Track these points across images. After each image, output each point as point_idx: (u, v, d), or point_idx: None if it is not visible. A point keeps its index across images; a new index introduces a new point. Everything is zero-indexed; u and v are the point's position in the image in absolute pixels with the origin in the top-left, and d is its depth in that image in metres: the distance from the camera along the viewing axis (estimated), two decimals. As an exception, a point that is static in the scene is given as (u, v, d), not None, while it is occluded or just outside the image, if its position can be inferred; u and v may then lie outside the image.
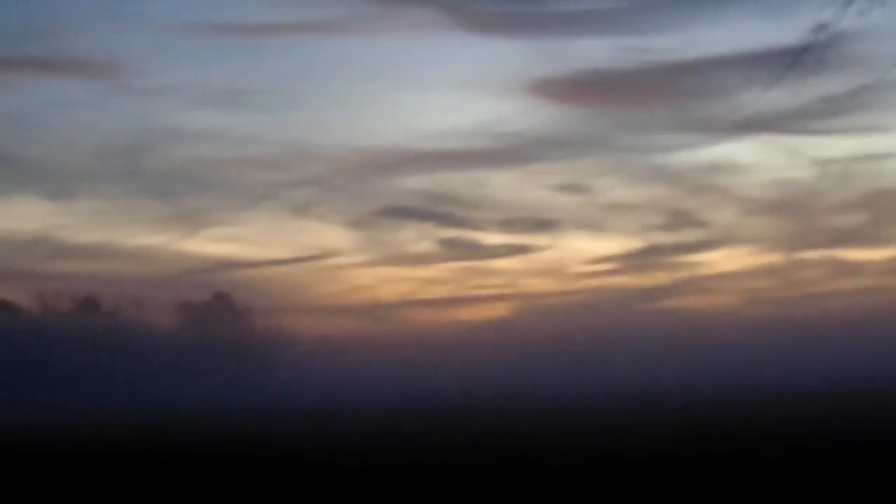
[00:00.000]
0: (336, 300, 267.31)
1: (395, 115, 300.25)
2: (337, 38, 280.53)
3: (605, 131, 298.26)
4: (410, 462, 40.94)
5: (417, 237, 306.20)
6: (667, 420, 69.71)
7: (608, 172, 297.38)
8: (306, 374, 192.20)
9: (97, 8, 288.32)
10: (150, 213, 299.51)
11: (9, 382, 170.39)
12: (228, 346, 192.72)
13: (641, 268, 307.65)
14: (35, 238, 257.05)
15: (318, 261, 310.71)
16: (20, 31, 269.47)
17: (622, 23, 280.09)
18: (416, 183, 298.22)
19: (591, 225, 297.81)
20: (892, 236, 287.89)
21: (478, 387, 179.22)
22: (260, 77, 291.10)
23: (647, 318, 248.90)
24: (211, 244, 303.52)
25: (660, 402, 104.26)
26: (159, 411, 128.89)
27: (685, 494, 27.72)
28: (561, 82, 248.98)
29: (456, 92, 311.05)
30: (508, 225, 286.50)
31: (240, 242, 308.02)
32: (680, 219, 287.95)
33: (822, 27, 16.19)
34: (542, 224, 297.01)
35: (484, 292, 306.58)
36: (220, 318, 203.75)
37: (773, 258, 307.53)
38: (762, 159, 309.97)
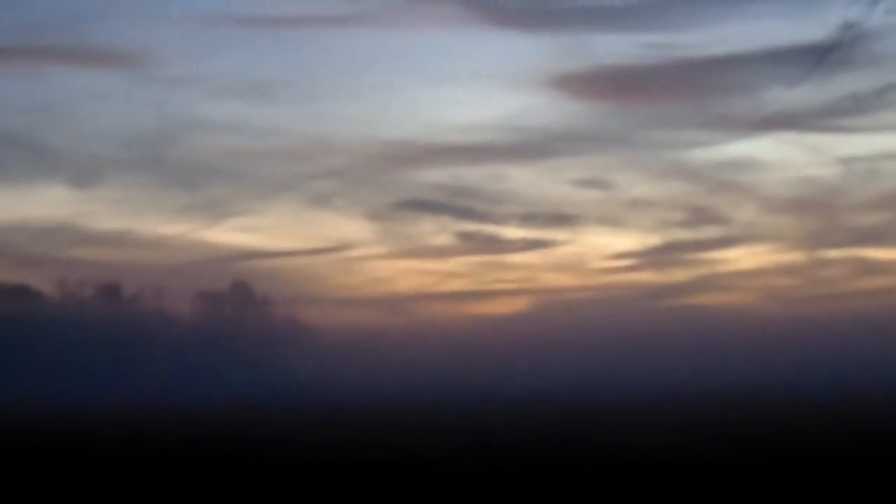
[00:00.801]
0: (354, 292, 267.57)
1: (416, 109, 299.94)
2: (360, 31, 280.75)
3: (627, 127, 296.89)
4: (425, 455, 40.97)
5: (437, 230, 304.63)
6: (684, 417, 69.57)
7: (629, 168, 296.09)
8: (323, 365, 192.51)
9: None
10: (172, 202, 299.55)
11: (30, 368, 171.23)
12: (247, 336, 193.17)
13: (661, 264, 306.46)
14: (58, 225, 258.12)
15: (338, 252, 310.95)
16: (47, 21, 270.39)
17: (644, 18, 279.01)
18: (437, 176, 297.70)
19: (611, 220, 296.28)
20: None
21: (495, 381, 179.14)
22: (283, 69, 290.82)
23: (666, 315, 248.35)
24: (231, 234, 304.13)
25: (677, 400, 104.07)
26: (176, 399, 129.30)
27: (700, 491, 27.68)
28: (582, 77, 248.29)
29: (477, 86, 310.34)
30: (528, 219, 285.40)
31: (260, 233, 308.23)
32: (700, 215, 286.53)
33: (848, 25, 16.07)
34: (562, 219, 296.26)
35: (503, 286, 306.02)
36: (239, 307, 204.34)
37: (795, 256, 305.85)
38: (785, 157, 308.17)
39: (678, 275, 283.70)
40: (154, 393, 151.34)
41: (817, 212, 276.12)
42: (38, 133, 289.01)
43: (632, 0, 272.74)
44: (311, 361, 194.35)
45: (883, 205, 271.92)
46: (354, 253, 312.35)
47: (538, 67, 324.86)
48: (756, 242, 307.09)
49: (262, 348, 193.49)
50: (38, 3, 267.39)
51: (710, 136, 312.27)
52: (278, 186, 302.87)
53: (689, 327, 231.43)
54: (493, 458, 40.20)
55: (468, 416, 77.95)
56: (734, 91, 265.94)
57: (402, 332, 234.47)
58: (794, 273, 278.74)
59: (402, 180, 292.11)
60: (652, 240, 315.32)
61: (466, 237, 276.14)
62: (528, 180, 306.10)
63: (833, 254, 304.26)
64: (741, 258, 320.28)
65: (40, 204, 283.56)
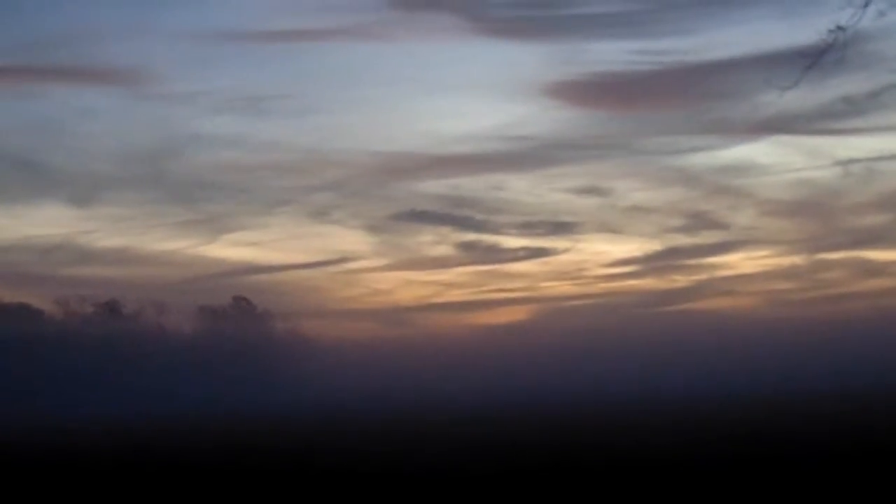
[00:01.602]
0: (355, 304, 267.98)
1: (414, 120, 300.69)
2: (356, 43, 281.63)
3: (624, 134, 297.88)
4: (427, 464, 40.97)
5: (436, 241, 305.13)
6: (685, 422, 69.57)
7: (627, 175, 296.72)
8: (325, 378, 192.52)
9: (120, 16, 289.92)
10: (172, 218, 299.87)
11: (31, 386, 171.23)
12: (248, 350, 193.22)
13: (661, 270, 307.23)
14: (58, 243, 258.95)
15: (338, 265, 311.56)
16: (44, 39, 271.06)
17: (639, 25, 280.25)
18: (435, 187, 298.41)
19: (610, 228, 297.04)
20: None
21: (497, 390, 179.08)
22: (280, 83, 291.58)
23: (666, 321, 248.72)
24: (231, 249, 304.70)
25: (678, 405, 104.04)
26: (179, 415, 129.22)
27: (702, 494, 27.68)
28: (578, 85, 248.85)
29: (474, 96, 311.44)
30: (527, 228, 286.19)
31: (260, 247, 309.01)
32: (700, 221, 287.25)
33: (839, 29, 16.15)
34: (561, 227, 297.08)
35: (503, 296, 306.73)
36: (239, 322, 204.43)
37: (795, 260, 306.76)
38: (782, 160, 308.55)
39: (679, 281, 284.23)
40: (155, 409, 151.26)
41: (816, 214, 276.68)
42: (37, 152, 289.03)
43: (626, 7, 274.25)
44: (312, 374, 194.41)
45: (882, 206, 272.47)
46: (354, 265, 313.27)
47: (534, 76, 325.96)
48: (756, 246, 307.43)
49: (264, 362, 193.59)
50: (35, 22, 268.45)
51: (708, 141, 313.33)
52: (277, 200, 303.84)
53: (690, 333, 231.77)
54: (494, 465, 40.19)
55: (470, 425, 77.93)
56: (730, 96, 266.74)
57: (402, 344, 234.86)
58: (795, 276, 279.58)
59: (401, 192, 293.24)
60: (652, 246, 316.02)
61: (466, 247, 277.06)
62: (527, 189, 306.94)
63: (833, 256, 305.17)
64: (741, 262, 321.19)
65: (40, 222, 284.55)
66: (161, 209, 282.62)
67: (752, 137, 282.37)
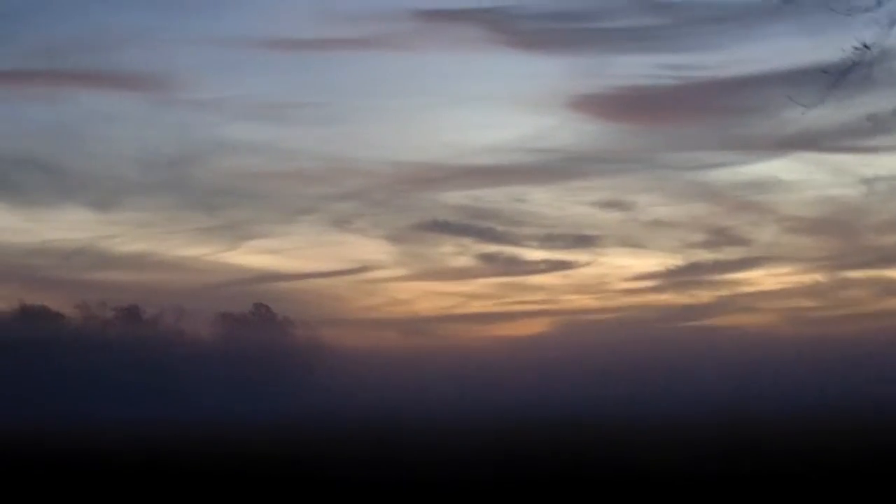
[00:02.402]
0: (375, 313, 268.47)
1: (437, 130, 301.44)
2: (380, 53, 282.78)
3: (647, 148, 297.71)
4: (442, 475, 40.91)
5: (457, 252, 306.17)
6: (701, 438, 69.29)
7: (649, 189, 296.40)
8: (344, 387, 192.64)
9: (145, 22, 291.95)
10: (194, 224, 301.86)
11: (51, 390, 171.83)
12: (267, 357, 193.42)
13: (682, 285, 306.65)
14: (79, 247, 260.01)
15: (358, 274, 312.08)
16: (69, 44, 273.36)
17: (663, 40, 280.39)
18: (457, 198, 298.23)
19: (632, 242, 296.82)
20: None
21: (516, 402, 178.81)
22: (304, 91, 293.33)
23: (687, 336, 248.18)
24: (252, 256, 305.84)
25: (696, 421, 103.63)
26: (198, 421, 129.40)
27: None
28: (602, 99, 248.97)
29: (497, 108, 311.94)
30: (549, 241, 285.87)
31: (281, 254, 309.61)
32: (722, 236, 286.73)
33: (864, 47, 16.12)
34: (583, 240, 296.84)
35: (524, 308, 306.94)
36: (259, 329, 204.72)
37: (817, 277, 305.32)
38: (806, 177, 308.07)
39: (700, 296, 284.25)
40: (174, 414, 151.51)
41: (839, 232, 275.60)
42: (60, 156, 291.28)
43: (651, 21, 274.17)
44: (331, 383, 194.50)
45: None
46: (375, 275, 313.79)
47: (558, 89, 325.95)
48: (778, 263, 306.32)
49: (283, 370, 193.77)
50: (60, 27, 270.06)
51: (731, 157, 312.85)
52: (299, 208, 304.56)
53: (711, 348, 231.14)
54: (509, 476, 40.12)
55: (487, 437, 77.82)
56: (754, 112, 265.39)
57: (422, 354, 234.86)
58: (817, 294, 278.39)
59: (423, 202, 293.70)
60: (673, 261, 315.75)
61: (487, 259, 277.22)
62: (549, 201, 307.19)
63: (855, 274, 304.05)
64: (763, 279, 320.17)
65: (62, 226, 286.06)
66: (183, 215, 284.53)
67: (776, 154, 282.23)
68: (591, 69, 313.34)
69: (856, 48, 16.21)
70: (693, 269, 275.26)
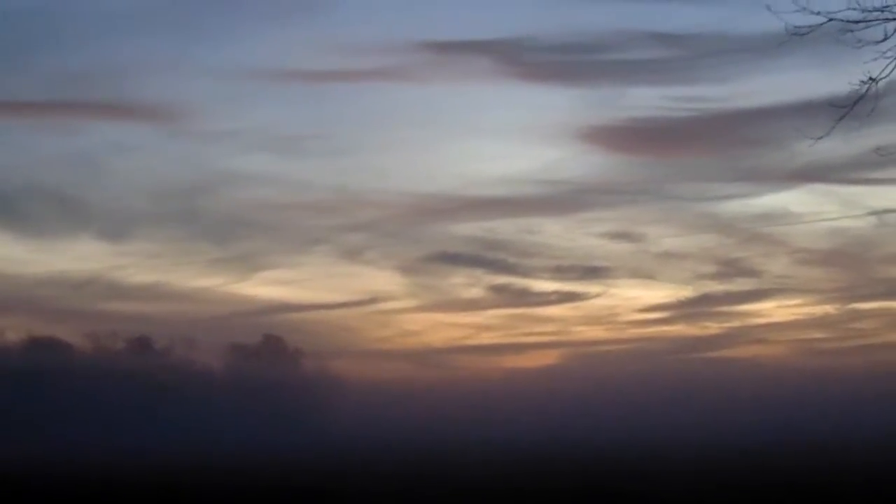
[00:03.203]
0: (386, 345, 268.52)
1: (448, 162, 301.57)
2: (392, 85, 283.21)
3: (658, 180, 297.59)
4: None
5: (468, 283, 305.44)
6: (710, 470, 69.11)
7: (660, 221, 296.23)
8: (354, 418, 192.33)
9: (158, 53, 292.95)
10: (205, 255, 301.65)
11: (60, 420, 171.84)
12: (278, 388, 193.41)
13: (693, 317, 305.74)
14: (91, 278, 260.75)
15: (369, 305, 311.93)
16: (81, 76, 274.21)
17: (675, 72, 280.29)
18: (468, 229, 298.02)
19: (642, 273, 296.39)
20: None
21: (528, 433, 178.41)
22: (315, 122, 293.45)
23: (698, 368, 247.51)
24: (263, 287, 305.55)
25: (706, 452, 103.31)
26: (208, 451, 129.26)
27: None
28: (613, 130, 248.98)
29: (508, 139, 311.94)
30: (559, 272, 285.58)
31: (292, 286, 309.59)
32: (732, 268, 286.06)
33: (871, 80, 16.20)
34: (593, 272, 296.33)
35: (534, 339, 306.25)
36: (270, 360, 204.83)
37: (827, 309, 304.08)
38: (816, 209, 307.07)
39: (711, 328, 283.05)
40: (184, 444, 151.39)
41: (849, 264, 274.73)
42: (72, 187, 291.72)
43: (663, 54, 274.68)
44: (341, 414, 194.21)
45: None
46: (386, 306, 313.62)
47: (570, 120, 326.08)
48: (788, 295, 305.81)
49: (293, 401, 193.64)
50: (73, 58, 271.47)
51: (742, 189, 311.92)
52: (310, 239, 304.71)
53: (721, 380, 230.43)
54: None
55: (497, 468, 77.64)
56: (765, 143, 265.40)
57: (433, 385, 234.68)
58: (827, 325, 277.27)
59: (434, 233, 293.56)
60: (684, 292, 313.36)
61: (498, 290, 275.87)
62: (560, 233, 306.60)
63: (866, 306, 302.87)
64: (773, 311, 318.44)
65: (74, 257, 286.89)
66: (194, 246, 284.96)
67: (787, 186, 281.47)
68: (601, 101, 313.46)
69: (863, 81, 16.30)
70: (704, 300, 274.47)
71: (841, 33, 16.23)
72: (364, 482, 61.99)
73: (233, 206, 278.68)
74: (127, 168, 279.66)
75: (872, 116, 16.68)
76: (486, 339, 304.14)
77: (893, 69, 15.96)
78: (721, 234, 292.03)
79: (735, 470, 69.26)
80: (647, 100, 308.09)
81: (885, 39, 16.13)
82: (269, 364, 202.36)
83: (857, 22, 16.18)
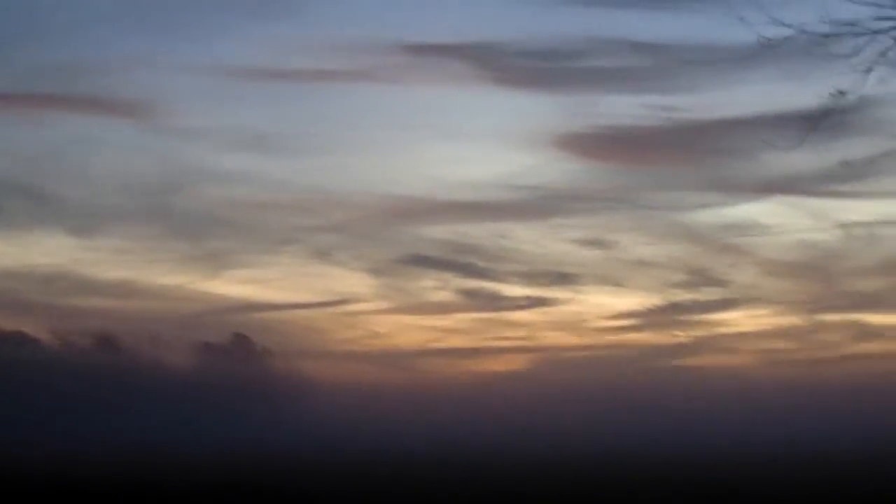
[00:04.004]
0: (355, 346, 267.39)
1: (422, 165, 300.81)
2: (367, 86, 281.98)
3: (629, 188, 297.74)
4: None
5: (438, 286, 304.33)
6: (674, 479, 69.38)
7: (630, 229, 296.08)
8: (320, 419, 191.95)
9: (135, 49, 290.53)
10: (174, 252, 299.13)
11: (25, 415, 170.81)
12: (245, 388, 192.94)
13: (661, 325, 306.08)
14: (58, 273, 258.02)
15: (339, 306, 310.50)
16: (53, 68, 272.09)
17: (648, 81, 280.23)
18: (439, 232, 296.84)
19: (612, 280, 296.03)
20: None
21: (494, 438, 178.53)
22: (289, 122, 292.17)
23: (664, 376, 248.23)
24: (233, 286, 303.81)
25: (669, 461, 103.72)
26: (172, 449, 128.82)
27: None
28: (587, 138, 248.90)
29: (482, 144, 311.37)
30: (529, 278, 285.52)
31: (261, 285, 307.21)
32: (701, 277, 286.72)
33: (840, 93, 16.39)
34: (563, 278, 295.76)
35: (503, 344, 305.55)
36: (238, 359, 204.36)
37: (794, 320, 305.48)
38: (785, 220, 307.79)
39: (678, 336, 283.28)
40: (148, 442, 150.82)
41: (817, 276, 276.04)
42: (41, 180, 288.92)
43: (637, 63, 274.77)
44: (308, 414, 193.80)
45: (882, 270, 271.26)
46: (355, 307, 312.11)
47: (543, 127, 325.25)
48: (756, 305, 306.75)
49: (260, 400, 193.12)
50: (45, 50, 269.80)
51: (713, 199, 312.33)
52: (281, 239, 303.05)
53: (687, 388, 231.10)
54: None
55: (461, 471, 77.70)
56: (736, 154, 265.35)
57: (401, 388, 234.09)
58: (793, 336, 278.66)
59: (405, 236, 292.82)
60: (652, 300, 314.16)
61: (468, 294, 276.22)
62: (531, 238, 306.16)
63: (832, 318, 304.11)
64: (741, 320, 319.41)
65: (41, 251, 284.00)
66: (164, 243, 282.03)
67: (757, 197, 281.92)
68: (576, 108, 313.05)
69: (832, 94, 16.48)
70: (672, 308, 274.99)
71: (812, 46, 16.42)
72: (324, 483, 61.93)
73: (205, 204, 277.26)
74: (98, 163, 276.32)
75: (840, 130, 16.87)
76: (455, 342, 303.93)
77: (862, 83, 16.15)
78: (691, 243, 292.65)
79: (693, 479, 69.52)
80: (621, 107, 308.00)
81: (854, 54, 16.33)
82: (236, 363, 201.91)
83: (827, 36, 16.38)
